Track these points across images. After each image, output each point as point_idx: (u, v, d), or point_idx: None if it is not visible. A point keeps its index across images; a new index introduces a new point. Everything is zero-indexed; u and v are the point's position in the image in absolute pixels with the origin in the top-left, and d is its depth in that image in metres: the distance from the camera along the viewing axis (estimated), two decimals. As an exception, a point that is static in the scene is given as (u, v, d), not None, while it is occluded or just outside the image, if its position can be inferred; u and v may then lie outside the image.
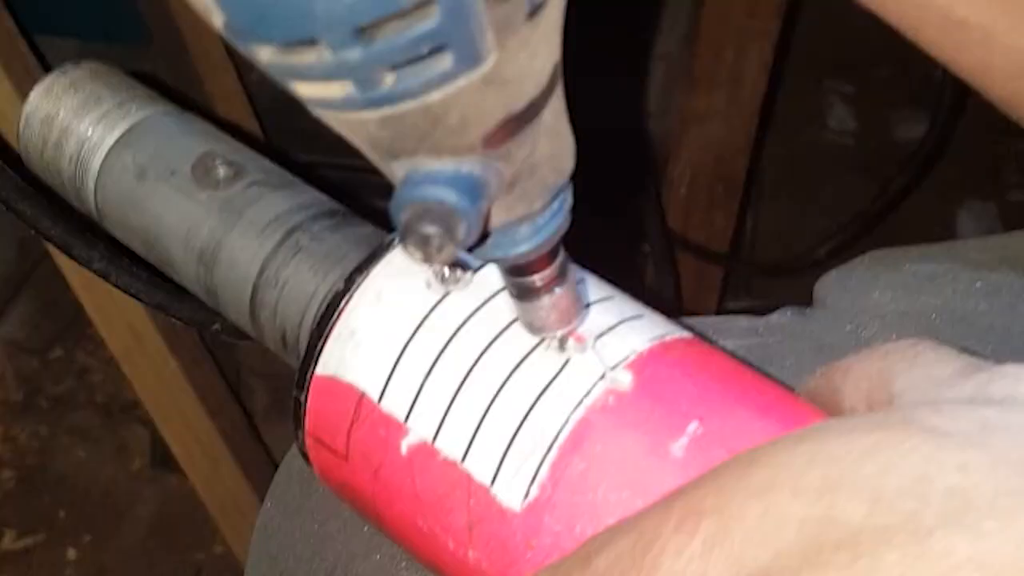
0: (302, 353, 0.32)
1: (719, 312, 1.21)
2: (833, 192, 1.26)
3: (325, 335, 0.32)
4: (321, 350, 0.32)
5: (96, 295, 0.83)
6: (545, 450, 0.28)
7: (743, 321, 0.44)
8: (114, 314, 0.85)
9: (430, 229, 0.21)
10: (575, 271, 0.28)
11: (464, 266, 0.31)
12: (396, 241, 0.32)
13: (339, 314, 0.32)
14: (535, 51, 0.20)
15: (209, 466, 1.00)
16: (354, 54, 0.18)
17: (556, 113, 0.23)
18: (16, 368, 1.24)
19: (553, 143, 0.23)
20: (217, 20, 0.18)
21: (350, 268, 0.32)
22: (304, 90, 0.20)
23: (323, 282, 0.34)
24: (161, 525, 1.16)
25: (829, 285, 0.47)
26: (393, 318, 0.31)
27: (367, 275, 0.32)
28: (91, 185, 0.39)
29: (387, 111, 0.20)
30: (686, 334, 0.31)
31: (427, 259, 0.21)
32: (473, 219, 0.21)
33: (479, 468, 0.29)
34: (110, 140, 0.39)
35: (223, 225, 0.36)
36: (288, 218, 0.36)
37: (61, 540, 1.15)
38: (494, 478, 0.28)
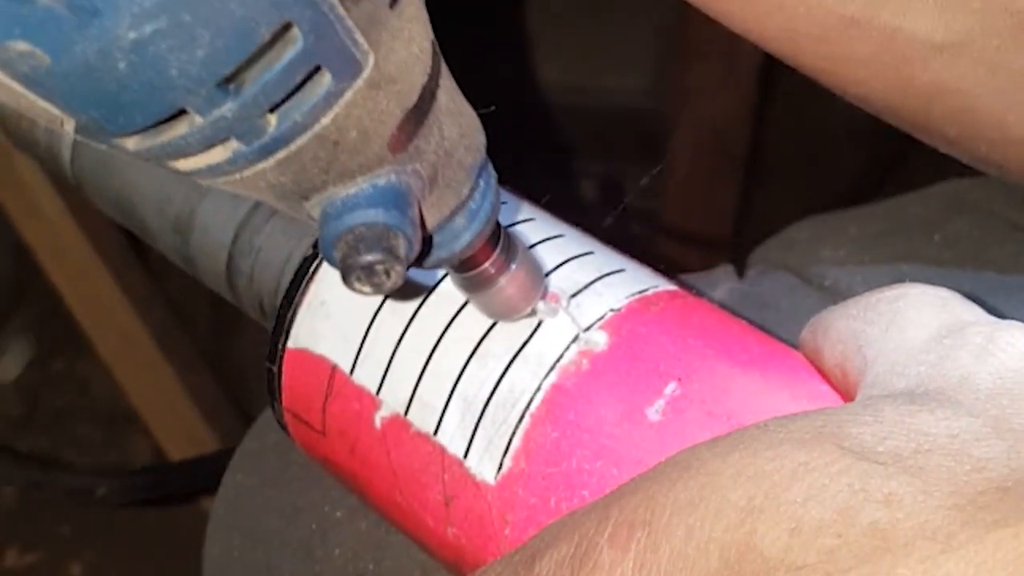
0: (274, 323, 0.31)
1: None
2: (842, 164, 1.21)
3: (295, 305, 0.31)
4: (292, 321, 0.31)
5: (84, 295, 0.82)
6: (517, 419, 0.27)
7: (729, 268, 0.42)
8: (103, 316, 0.84)
9: (370, 256, 0.19)
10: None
11: None
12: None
13: (308, 283, 0.31)
14: (410, 36, 0.19)
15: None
16: (228, 109, 0.17)
17: (450, 92, 0.21)
18: (16, 381, 1.23)
19: (457, 122, 0.22)
20: (67, 126, 0.17)
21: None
22: (186, 165, 0.18)
23: (297, 247, 0.33)
24: (166, 536, 1.15)
25: (768, 253, 0.44)
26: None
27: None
28: (67, 155, 0.38)
29: (282, 154, 0.18)
30: (670, 286, 0.30)
31: (378, 289, 0.20)
32: (409, 230, 0.20)
33: (452, 440, 0.28)
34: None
35: (197, 191, 0.35)
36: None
37: (65, 556, 1.15)
38: (467, 450, 0.28)
